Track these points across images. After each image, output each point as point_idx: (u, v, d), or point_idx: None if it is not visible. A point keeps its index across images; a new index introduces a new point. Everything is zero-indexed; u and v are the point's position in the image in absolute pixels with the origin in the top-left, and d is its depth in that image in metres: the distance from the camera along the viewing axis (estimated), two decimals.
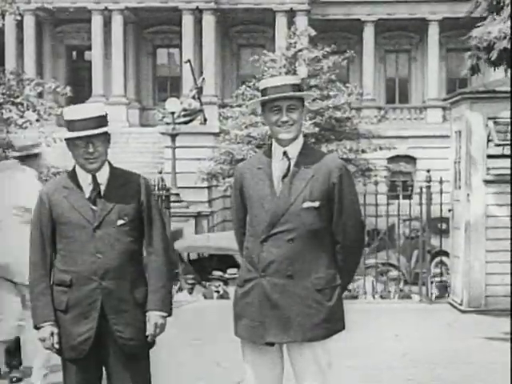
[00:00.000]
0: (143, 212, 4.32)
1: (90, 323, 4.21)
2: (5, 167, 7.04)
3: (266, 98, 4.17)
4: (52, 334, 4.25)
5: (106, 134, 4.29)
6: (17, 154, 7.03)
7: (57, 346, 4.26)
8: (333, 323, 4.18)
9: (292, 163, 4.22)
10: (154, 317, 4.25)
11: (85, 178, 4.31)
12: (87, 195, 4.29)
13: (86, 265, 4.20)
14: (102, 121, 4.25)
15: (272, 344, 4.16)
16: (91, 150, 4.23)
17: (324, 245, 4.19)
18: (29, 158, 7.01)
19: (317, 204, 4.14)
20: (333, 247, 4.22)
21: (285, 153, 4.23)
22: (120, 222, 4.24)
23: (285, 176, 4.20)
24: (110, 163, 4.37)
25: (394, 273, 14.70)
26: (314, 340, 4.14)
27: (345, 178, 4.20)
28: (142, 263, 4.32)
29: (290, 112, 4.20)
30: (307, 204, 4.14)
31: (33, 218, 4.39)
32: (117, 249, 4.23)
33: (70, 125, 4.22)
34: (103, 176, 4.32)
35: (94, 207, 4.25)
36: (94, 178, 4.29)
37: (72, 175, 4.35)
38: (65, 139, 4.27)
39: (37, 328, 4.27)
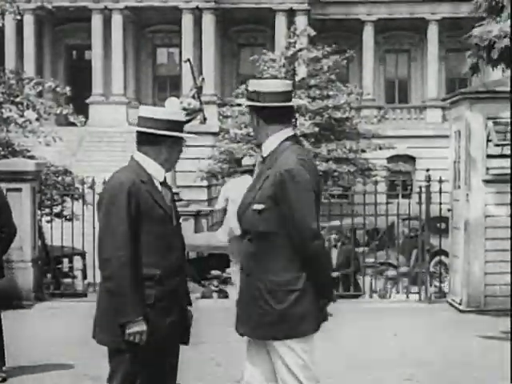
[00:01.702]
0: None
1: (173, 317, 4.35)
2: None
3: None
4: (145, 327, 4.26)
5: None
6: None
7: (144, 340, 4.27)
8: (284, 327, 4.14)
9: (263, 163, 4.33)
10: (189, 311, 4.55)
11: (158, 176, 4.44)
12: (160, 191, 4.43)
13: (173, 260, 4.37)
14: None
15: (241, 335, 4.30)
16: (182, 151, 4.54)
17: (279, 248, 4.16)
18: None
19: (260, 207, 4.16)
20: (290, 251, 4.16)
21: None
22: (180, 219, 4.54)
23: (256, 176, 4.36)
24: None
25: (392, 272, 14.71)
26: (264, 339, 4.21)
27: (286, 184, 4.10)
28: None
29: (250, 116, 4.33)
30: (254, 206, 4.19)
31: (116, 210, 4.28)
32: (183, 245, 4.52)
33: (173, 125, 4.42)
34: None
35: (169, 204, 4.44)
36: (165, 177, 4.50)
37: (142, 170, 4.42)
38: (156, 135, 4.40)
39: (126, 323, 4.22)
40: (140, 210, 4.29)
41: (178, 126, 4.45)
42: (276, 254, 4.17)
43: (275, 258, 4.17)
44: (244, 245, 4.27)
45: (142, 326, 4.23)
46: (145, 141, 4.45)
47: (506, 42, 11.62)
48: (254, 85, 4.29)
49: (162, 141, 4.42)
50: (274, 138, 4.27)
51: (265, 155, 4.29)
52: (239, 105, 28.48)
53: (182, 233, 4.51)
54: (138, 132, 4.49)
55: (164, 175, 4.48)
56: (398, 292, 13.99)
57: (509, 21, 11.47)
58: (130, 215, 4.26)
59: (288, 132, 4.30)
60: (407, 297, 12.20)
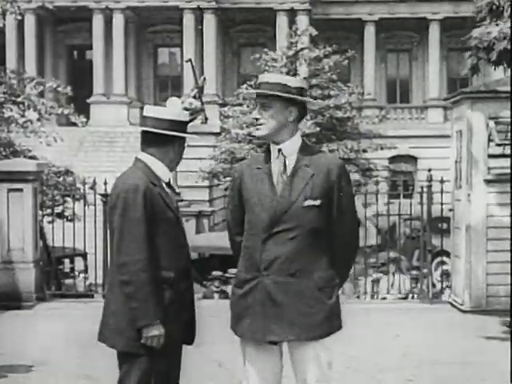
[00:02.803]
0: None
1: (184, 318, 4.38)
2: None
3: (246, 92, 4.37)
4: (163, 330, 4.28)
5: None
6: None
7: (161, 343, 4.27)
8: (332, 322, 4.20)
9: (289, 161, 4.24)
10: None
11: (165, 177, 4.45)
12: (168, 193, 4.42)
13: (184, 261, 4.39)
14: None
15: (275, 343, 4.18)
16: (185, 151, 4.58)
17: (323, 244, 4.20)
18: None
19: (318, 202, 4.16)
20: (331, 247, 4.24)
21: (279, 150, 4.26)
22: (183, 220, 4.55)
23: (283, 174, 4.23)
24: None
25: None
26: (316, 338, 4.15)
27: (344, 176, 4.23)
28: None
29: (263, 110, 4.23)
30: (308, 202, 4.15)
31: (133, 213, 4.26)
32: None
33: (179, 125, 4.42)
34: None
35: (176, 205, 4.45)
36: (170, 179, 4.49)
37: (151, 172, 4.40)
38: (164, 136, 4.41)
39: (145, 326, 4.22)
40: (154, 213, 4.28)
41: (183, 126, 4.45)
42: (322, 249, 4.20)
43: (321, 254, 4.19)
44: (278, 245, 4.15)
45: (160, 329, 4.23)
46: (151, 141, 4.41)
47: (505, 44, 11.62)
48: (298, 81, 4.28)
49: (168, 141, 4.41)
50: (299, 137, 4.31)
51: (288, 154, 4.25)
52: (240, 104, 28.50)
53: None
54: (143, 132, 4.45)
55: (169, 176, 4.48)
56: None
57: (508, 23, 11.46)
58: (147, 218, 4.25)
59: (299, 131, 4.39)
60: (412, 297, 12.20)
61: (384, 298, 12.73)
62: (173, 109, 4.67)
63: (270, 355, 4.25)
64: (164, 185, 4.43)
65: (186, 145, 4.54)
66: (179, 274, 4.33)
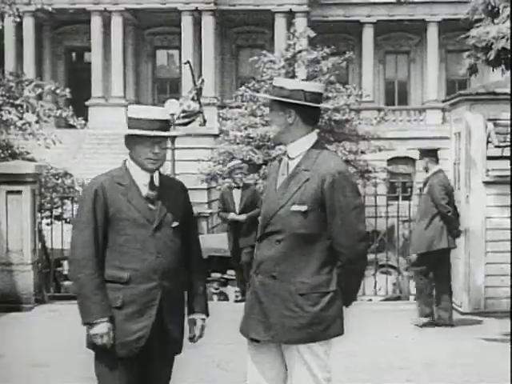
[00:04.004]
0: (185, 217, 4.42)
1: (145, 321, 4.22)
2: None
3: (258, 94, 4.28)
4: (109, 329, 4.20)
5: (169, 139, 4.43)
6: None
7: (111, 342, 4.20)
8: (316, 329, 4.11)
9: (292, 163, 4.23)
10: (200, 320, 4.44)
11: (141, 177, 4.34)
12: (144, 194, 4.32)
13: (146, 263, 4.23)
14: (168, 125, 4.36)
15: (257, 341, 4.20)
16: (157, 151, 4.31)
17: (315, 250, 4.13)
18: None
19: (304, 208, 4.10)
20: (329, 253, 4.14)
21: (285, 152, 4.27)
22: (175, 223, 4.32)
23: (282, 175, 4.24)
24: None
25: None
26: (294, 343, 4.13)
27: (337, 184, 4.09)
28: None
29: (270, 114, 4.29)
30: (295, 207, 4.11)
31: (81, 211, 4.31)
32: (172, 250, 4.31)
33: (137, 123, 4.29)
34: (157, 178, 4.39)
35: (152, 207, 4.30)
36: (152, 179, 4.35)
37: (125, 172, 4.36)
38: (130, 135, 4.34)
39: (90, 324, 4.20)
40: (110, 212, 4.24)
41: (153, 124, 4.27)
42: (310, 255, 4.12)
43: (309, 260, 4.12)
44: (268, 246, 4.18)
45: (103, 328, 4.18)
46: (125, 142, 4.41)
47: (504, 43, 11.63)
48: (296, 84, 4.25)
49: (135, 141, 4.33)
50: (306, 139, 4.23)
51: (293, 156, 4.23)
52: (239, 106, 28.51)
53: (170, 237, 4.30)
54: None
55: (150, 176, 4.34)
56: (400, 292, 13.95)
57: (506, 22, 11.47)
58: (96, 216, 4.24)
59: (315, 134, 4.29)
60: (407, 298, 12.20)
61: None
62: (144, 106, 4.51)
63: (270, 354, 4.24)
64: (140, 185, 4.32)
65: (163, 142, 4.33)
66: (136, 276, 4.21)
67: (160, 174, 4.44)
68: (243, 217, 11.79)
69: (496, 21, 11.93)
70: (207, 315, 4.48)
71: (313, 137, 4.26)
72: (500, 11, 11.95)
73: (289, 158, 4.24)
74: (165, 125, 4.31)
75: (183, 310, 4.39)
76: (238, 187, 12.04)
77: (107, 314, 4.18)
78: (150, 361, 4.30)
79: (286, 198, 4.14)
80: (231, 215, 11.91)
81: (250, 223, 11.73)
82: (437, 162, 10.19)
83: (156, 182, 4.37)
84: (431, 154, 10.18)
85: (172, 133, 4.33)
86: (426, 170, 10.07)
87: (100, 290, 4.19)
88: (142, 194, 4.32)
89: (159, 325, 4.24)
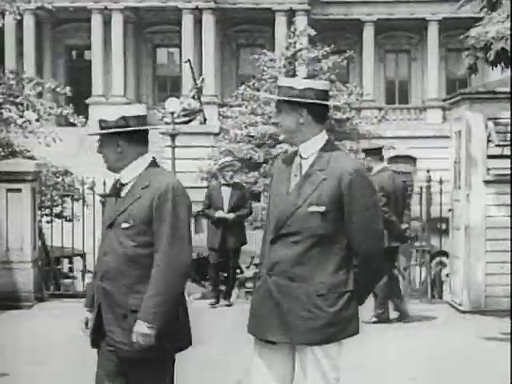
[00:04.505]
0: (149, 219, 4.15)
1: (94, 319, 4.27)
2: None
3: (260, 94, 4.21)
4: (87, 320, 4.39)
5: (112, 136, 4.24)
6: None
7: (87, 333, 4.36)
8: (335, 329, 4.09)
9: (305, 164, 4.17)
10: (137, 325, 4.09)
11: (120, 177, 4.32)
12: (112, 195, 4.34)
13: (98, 263, 4.29)
14: (104, 123, 4.23)
15: (273, 342, 4.14)
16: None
17: (332, 250, 4.09)
18: None
19: (322, 209, 4.04)
20: (346, 252, 4.11)
21: (297, 152, 4.21)
22: (124, 225, 4.16)
23: (296, 176, 4.16)
24: (152, 163, 4.26)
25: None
26: (311, 344, 4.09)
27: (355, 184, 4.05)
28: (149, 269, 4.13)
29: (278, 114, 4.22)
30: (313, 208, 4.05)
31: None
32: (117, 251, 4.17)
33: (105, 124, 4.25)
34: (128, 176, 4.25)
35: (115, 207, 4.25)
36: (118, 179, 4.32)
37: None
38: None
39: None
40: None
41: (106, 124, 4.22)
42: (328, 255, 4.08)
43: (327, 260, 4.08)
44: (283, 248, 4.11)
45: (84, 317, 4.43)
46: None
47: (503, 43, 11.63)
48: (305, 83, 4.18)
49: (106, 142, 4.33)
50: (318, 138, 4.20)
51: (305, 156, 4.18)
52: (239, 105, 28.53)
53: (118, 238, 4.18)
54: None
55: (119, 177, 4.28)
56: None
57: (506, 23, 11.46)
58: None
59: (325, 133, 4.26)
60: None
61: None
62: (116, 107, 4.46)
63: (278, 354, 4.20)
64: (121, 185, 4.30)
65: (101, 144, 4.30)
66: (95, 274, 4.35)
67: (146, 171, 4.23)
68: (232, 215, 11.24)
69: (495, 17, 11.89)
70: (153, 324, 4.06)
71: (324, 135, 4.23)
72: (499, 4, 11.93)
73: (301, 158, 4.18)
74: (101, 124, 4.25)
75: (127, 313, 4.16)
76: (228, 185, 11.49)
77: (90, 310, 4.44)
78: (100, 361, 4.32)
79: (303, 199, 4.07)
80: (219, 213, 11.29)
81: (238, 223, 11.39)
82: (381, 159, 10.10)
83: (127, 180, 4.25)
84: (374, 153, 10.07)
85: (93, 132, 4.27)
86: (369, 169, 9.90)
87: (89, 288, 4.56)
88: (111, 195, 4.34)
89: (101, 324, 4.25)
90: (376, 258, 4.16)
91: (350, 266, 4.12)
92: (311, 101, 4.12)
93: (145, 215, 4.13)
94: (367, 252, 4.10)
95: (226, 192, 11.44)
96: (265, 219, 4.44)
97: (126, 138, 4.22)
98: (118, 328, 4.17)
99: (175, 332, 4.22)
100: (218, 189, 11.61)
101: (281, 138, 4.27)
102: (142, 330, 4.07)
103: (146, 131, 4.29)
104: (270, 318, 4.13)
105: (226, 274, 11.96)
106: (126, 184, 4.25)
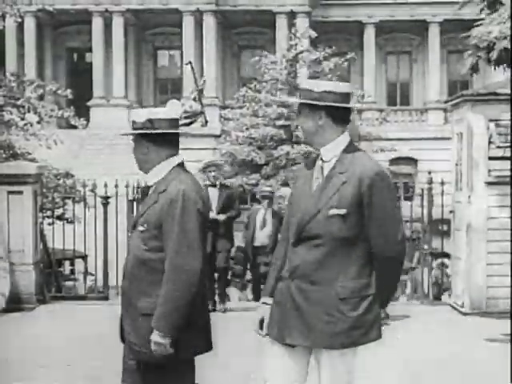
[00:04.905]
0: (158, 224, 4.16)
1: (120, 315, 4.34)
2: None
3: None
4: None
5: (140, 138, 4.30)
6: None
7: None
8: (355, 334, 4.08)
9: (327, 166, 4.14)
10: (153, 334, 4.10)
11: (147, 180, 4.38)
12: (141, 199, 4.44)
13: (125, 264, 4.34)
14: (134, 124, 4.33)
15: (291, 345, 4.12)
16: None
17: (354, 253, 4.07)
18: None
19: (343, 212, 4.02)
20: (368, 255, 4.09)
21: (319, 155, 4.19)
22: (140, 228, 4.20)
23: (317, 179, 4.14)
24: (177, 166, 4.31)
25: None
26: (332, 348, 4.07)
27: (376, 186, 4.02)
28: (161, 274, 4.12)
29: (299, 117, 4.21)
30: (333, 211, 4.02)
31: None
32: (134, 253, 4.23)
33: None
34: (153, 179, 4.29)
35: (142, 210, 4.30)
36: (146, 182, 4.34)
37: None
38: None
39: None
40: None
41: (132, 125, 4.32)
42: (350, 259, 4.05)
43: (349, 264, 4.05)
44: (305, 251, 4.09)
45: None
46: None
47: (506, 43, 11.63)
48: (325, 85, 4.15)
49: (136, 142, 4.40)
50: (340, 141, 4.15)
51: (327, 159, 4.15)
52: (240, 107, 28.51)
53: (136, 240, 4.21)
54: None
55: (145, 179, 4.33)
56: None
57: (508, 23, 11.47)
58: None
59: (347, 136, 4.20)
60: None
61: None
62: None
63: (294, 357, 4.17)
64: (148, 189, 4.34)
65: (135, 146, 4.34)
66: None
67: (169, 175, 4.26)
68: (222, 217, 11.07)
69: (497, 18, 11.90)
70: (162, 332, 4.06)
71: (345, 138, 4.18)
72: (498, 4, 11.94)
73: (322, 161, 4.16)
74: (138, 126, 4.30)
75: (138, 316, 4.17)
76: (214, 185, 11.26)
77: None
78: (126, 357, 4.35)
79: (323, 202, 4.06)
80: (210, 214, 11.19)
81: (227, 225, 11.25)
82: None
83: (151, 183, 4.29)
84: None
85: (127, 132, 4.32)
86: None
87: None
88: (143, 199, 4.41)
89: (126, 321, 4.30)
90: (396, 261, 4.14)
91: (371, 269, 4.09)
92: (327, 103, 4.08)
93: (156, 220, 4.15)
94: (388, 255, 4.07)
95: (213, 193, 11.19)
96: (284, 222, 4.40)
97: (152, 140, 4.26)
98: (133, 329, 4.20)
99: (189, 338, 4.20)
100: (205, 189, 11.42)
101: (302, 139, 4.29)
102: (155, 338, 4.08)
103: (176, 134, 4.32)
104: (290, 321, 4.10)
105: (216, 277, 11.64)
106: (152, 186, 4.29)
